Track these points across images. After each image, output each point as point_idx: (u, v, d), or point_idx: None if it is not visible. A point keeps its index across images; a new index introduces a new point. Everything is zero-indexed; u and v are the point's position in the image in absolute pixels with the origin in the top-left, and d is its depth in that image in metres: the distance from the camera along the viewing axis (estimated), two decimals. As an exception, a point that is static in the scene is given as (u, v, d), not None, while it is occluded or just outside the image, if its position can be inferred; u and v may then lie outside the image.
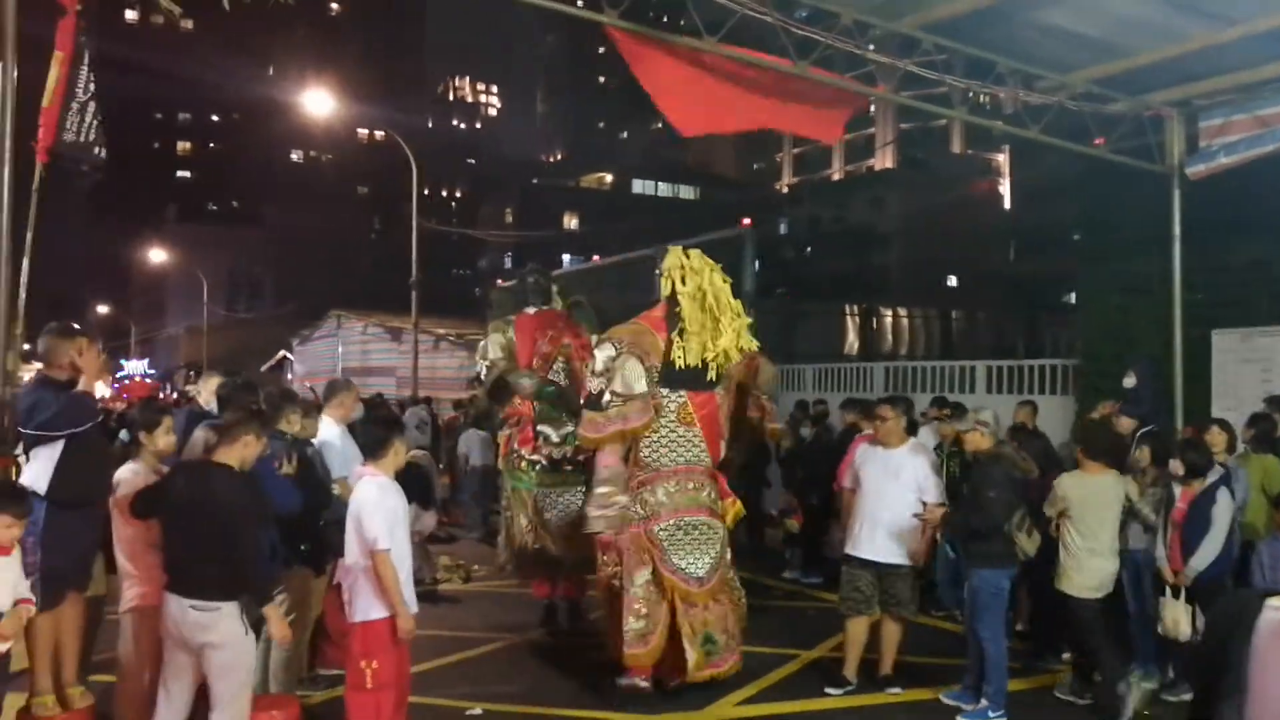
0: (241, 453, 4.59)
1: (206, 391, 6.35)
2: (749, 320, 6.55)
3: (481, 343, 8.06)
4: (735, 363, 6.38)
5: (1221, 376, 9.39)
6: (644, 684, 6.09)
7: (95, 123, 5.26)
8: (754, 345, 6.52)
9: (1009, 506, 5.90)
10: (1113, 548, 6.07)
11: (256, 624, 4.73)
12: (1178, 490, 6.18)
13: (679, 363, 6.18)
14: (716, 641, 6.11)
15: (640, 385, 6.09)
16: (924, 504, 6.18)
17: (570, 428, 7.26)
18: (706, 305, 6.25)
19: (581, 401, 6.44)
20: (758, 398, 6.63)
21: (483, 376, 7.84)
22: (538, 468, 7.42)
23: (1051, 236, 36.91)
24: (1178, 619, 5.99)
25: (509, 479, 7.67)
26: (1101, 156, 8.49)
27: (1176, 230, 8.61)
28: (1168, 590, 6.06)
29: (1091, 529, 5.98)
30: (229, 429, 4.64)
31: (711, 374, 6.27)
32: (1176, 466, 6.15)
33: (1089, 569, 5.98)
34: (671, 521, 6.14)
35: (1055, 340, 24.30)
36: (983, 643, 5.90)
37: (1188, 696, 6.09)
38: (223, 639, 4.37)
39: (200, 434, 5.26)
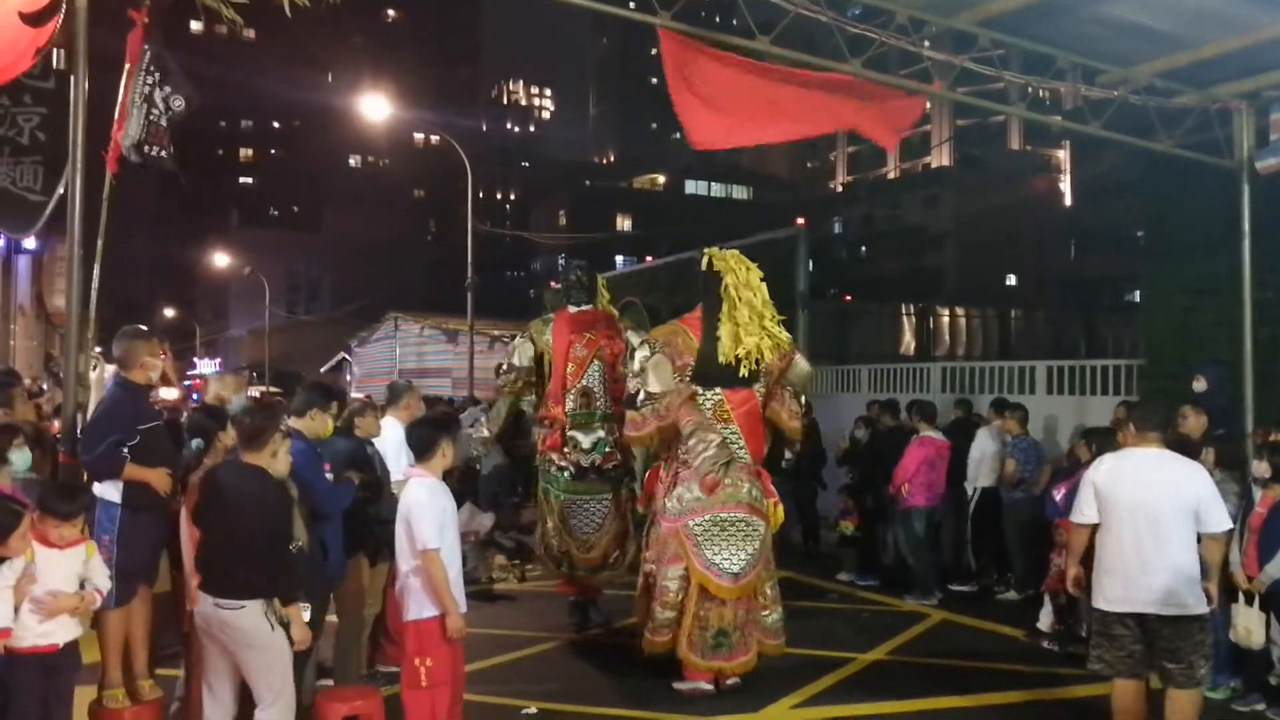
0: (271, 459, 4.57)
1: (215, 391, 6.36)
2: (783, 318, 6.64)
3: (517, 338, 8.06)
4: (772, 360, 6.39)
5: (1293, 378, 9.09)
6: (706, 686, 6.17)
7: (151, 122, 5.27)
8: (786, 342, 6.54)
9: None
10: None
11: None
12: (1257, 494, 5.99)
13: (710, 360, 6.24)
14: (729, 635, 6.15)
15: (669, 384, 6.29)
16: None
17: (601, 434, 7.41)
18: (738, 302, 6.34)
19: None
20: (780, 392, 6.57)
21: (500, 379, 8.06)
22: (566, 474, 7.47)
23: (1113, 234, 36.14)
24: (1250, 627, 5.82)
25: (542, 480, 7.74)
26: (1166, 152, 8.26)
27: (1246, 227, 8.35)
28: (1240, 597, 5.88)
29: None
30: (256, 436, 4.58)
31: (744, 371, 6.28)
32: (1263, 469, 5.95)
33: None
34: (707, 517, 6.16)
35: (1118, 340, 23.73)
36: None
37: (1260, 707, 5.94)
38: (251, 638, 4.36)
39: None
